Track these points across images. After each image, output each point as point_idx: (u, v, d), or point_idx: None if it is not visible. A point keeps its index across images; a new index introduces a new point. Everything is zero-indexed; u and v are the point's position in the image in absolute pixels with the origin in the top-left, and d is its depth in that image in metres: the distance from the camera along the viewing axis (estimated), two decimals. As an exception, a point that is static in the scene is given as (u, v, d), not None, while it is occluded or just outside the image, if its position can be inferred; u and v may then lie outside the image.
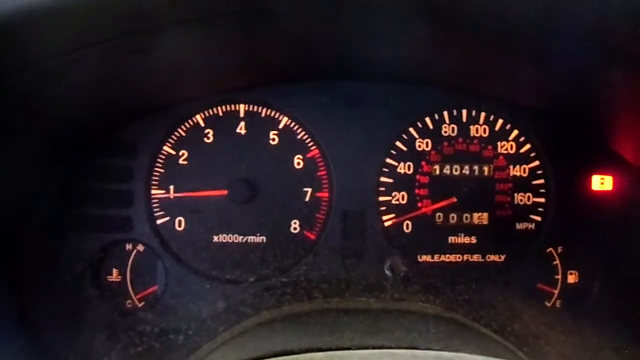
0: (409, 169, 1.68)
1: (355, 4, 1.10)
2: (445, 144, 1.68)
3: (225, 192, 1.63)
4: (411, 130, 1.68)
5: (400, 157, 1.68)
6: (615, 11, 1.00)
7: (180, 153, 1.65)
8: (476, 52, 1.37)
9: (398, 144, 1.67)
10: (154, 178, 1.65)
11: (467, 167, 1.68)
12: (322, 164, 1.67)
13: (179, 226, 1.66)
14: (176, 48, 1.25)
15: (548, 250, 1.71)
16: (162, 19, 1.08)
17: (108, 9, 1.00)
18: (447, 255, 1.68)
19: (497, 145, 1.69)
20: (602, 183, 1.69)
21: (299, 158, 1.67)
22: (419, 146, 1.68)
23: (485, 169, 1.69)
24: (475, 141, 1.69)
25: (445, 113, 1.68)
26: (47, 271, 1.56)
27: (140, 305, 1.65)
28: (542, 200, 1.70)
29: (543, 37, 1.17)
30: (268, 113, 1.66)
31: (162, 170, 1.65)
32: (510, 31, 1.18)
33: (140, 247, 1.66)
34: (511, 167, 1.69)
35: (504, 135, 1.69)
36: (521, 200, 1.69)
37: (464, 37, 1.26)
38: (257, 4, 1.09)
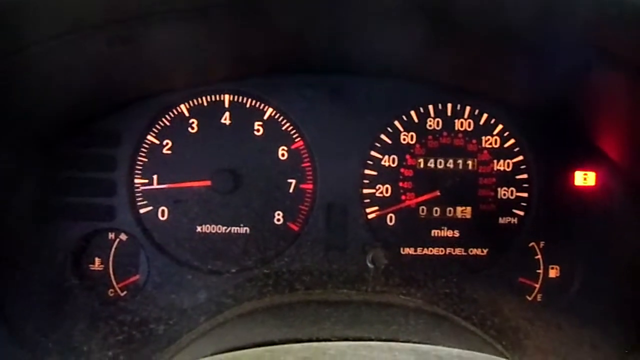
0: (393, 162, 1.68)
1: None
2: (430, 137, 1.69)
3: (209, 182, 1.63)
4: (396, 123, 1.68)
5: (385, 150, 1.68)
6: (603, 12, 1.01)
7: (164, 142, 1.64)
8: (466, 50, 1.38)
9: (383, 136, 1.67)
10: (137, 167, 1.64)
11: (451, 160, 1.69)
12: (306, 155, 1.67)
13: (162, 216, 1.65)
14: (162, 38, 1.25)
15: (530, 245, 1.72)
16: (150, 8, 1.08)
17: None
18: (429, 249, 1.69)
19: (481, 140, 1.70)
20: (585, 179, 1.70)
21: (283, 149, 1.66)
22: (404, 139, 1.68)
23: (469, 163, 1.69)
24: (460, 135, 1.69)
25: (431, 107, 1.68)
26: (27, 260, 1.55)
27: (122, 294, 1.65)
28: (525, 195, 1.70)
29: (531, 37, 1.18)
30: (253, 104, 1.66)
31: (145, 160, 1.64)
32: (501, 31, 1.18)
33: (123, 237, 1.65)
34: (495, 161, 1.70)
35: (488, 129, 1.70)
36: (504, 194, 1.70)
37: (456, 35, 1.26)
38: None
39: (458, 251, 1.70)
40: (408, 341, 0.99)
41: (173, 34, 1.24)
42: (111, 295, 1.65)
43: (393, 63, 1.58)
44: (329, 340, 0.97)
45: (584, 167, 1.70)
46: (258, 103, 1.66)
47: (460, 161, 1.69)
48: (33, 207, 1.59)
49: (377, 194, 1.68)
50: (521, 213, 1.71)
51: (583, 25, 1.07)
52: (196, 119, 1.65)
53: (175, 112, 1.64)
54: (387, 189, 1.68)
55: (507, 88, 1.64)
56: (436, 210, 1.69)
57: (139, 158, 1.64)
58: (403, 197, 1.68)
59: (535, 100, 1.67)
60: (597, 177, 1.70)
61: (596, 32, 1.10)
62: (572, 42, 1.15)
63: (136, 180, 1.64)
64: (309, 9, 1.17)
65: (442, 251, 1.69)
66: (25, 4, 0.96)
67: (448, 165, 1.69)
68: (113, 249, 1.65)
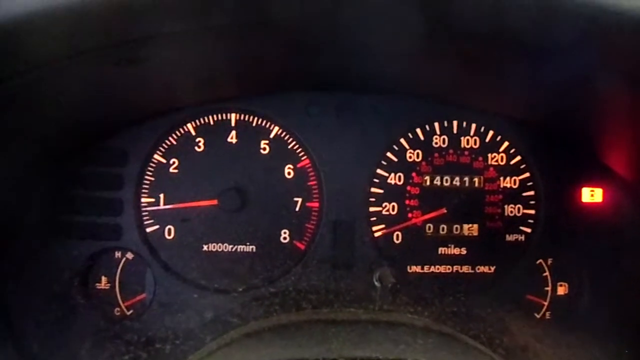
0: (399, 180, 1.68)
1: (349, 14, 1.10)
2: (436, 155, 1.69)
3: (215, 201, 1.63)
4: (402, 141, 1.68)
5: (391, 167, 1.68)
6: (600, 23, 1.01)
7: (171, 161, 1.65)
8: (469, 64, 1.37)
9: (389, 154, 1.68)
10: (144, 186, 1.64)
11: (457, 178, 1.68)
12: (312, 174, 1.67)
13: (169, 235, 1.65)
14: (168, 58, 1.25)
15: (538, 262, 1.71)
16: (155, 29, 1.08)
17: (100, 18, 1.00)
18: (436, 267, 1.68)
19: (487, 157, 1.70)
20: (592, 195, 1.70)
21: (289, 168, 1.66)
22: (410, 157, 1.68)
23: (476, 180, 1.69)
24: (466, 152, 1.69)
25: (436, 124, 1.69)
26: (34, 279, 1.55)
27: (128, 313, 1.65)
28: (532, 212, 1.70)
29: (533, 48, 1.18)
30: (259, 122, 1.66)
31: (152, 179, 1.65)
32: (501, 41, 1.18)
33: (130, 255, 1.66)
34: (501, 178, 1.70)
35: (494, 146, 1.70)
36: (511, 211, 1.70)
37: (457, 48, 1.26)
38: (252, 16, 1.09)
39: (465, 269, 1.69)
40: (416, 360, 0.98)
41: (180, 53, 1.24)
42: (117, 314, 1.65)
43: (397, 79, 1.58)
44: None
45: (590, 183, 1.70)
46: (264, 122, 1.66)
47: (466, 179, 1.69)
48: (40, 225, 1.59)
49: (384, 212, 1.68)
50: (528, 230, 1.70)
51: (583, 36, 1.06)
52: (202, 138, 1.65)
53: (182, 131, 1.65)
54: (393, 206, 1.68)
55: (511, 103, 1.64)
56: (443, 228, 1.69)
57: (146, 177, 1.64)
58: (409, 215, 1.68)
59: (541, 116, 1.67)
60: (604, 193, 1.70)
61: (597, 44, 1.10)
62: (574, 54, 1.15)
63: (143, 199, 1.65)
64: (313, 27, 1.17)
65: (449, 269, 1.69)
66: (33, 26, 0.97)
67: (454, 182, 1.69)
68: (119, 268, 1.66)
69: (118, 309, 1.65)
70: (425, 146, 1.69)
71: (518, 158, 1.70)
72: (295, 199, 1.67)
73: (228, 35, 1.17)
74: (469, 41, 1.20)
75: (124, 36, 1.09)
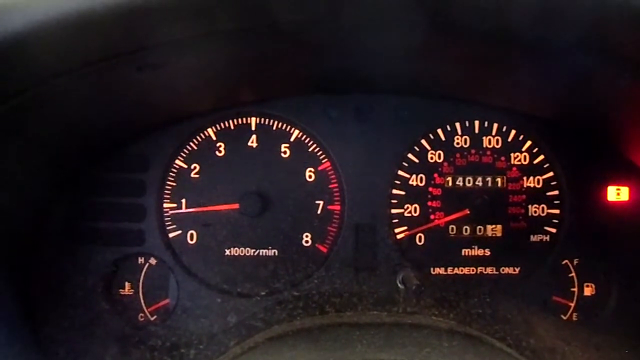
0: (421, 181, 1.67)
1: (352, 15, 1.10)
2: (458, 155, 1.67)
3: (237, 205, 1.63)
4: (423, 142, 1.67)
5: (412, 169, 1.67)
6: (612, 17, 0.99)
7: (192, 166, 1.65)
8: (481, 63, 1.36)
9: (410, 155, 1.66)
10: (166, 192, 1.65)
11: (480, 178, 1.67)
12: (333, 176, 1.66)
13: (191, 239, 1.66)
14: (185, 64, 1.26)
15: (564, 263, 1.69)
16: (171, 35, 1.09)
17: (116, 25, 1.00)
18: (460, 268, 1.67)
19: (510, 157, 1.68)
20: (618, 194, 1.67)
21: (310, 171, 1.66)
22: (431, 158, 1.67)
23: (499, 180, 1.67)
24: (488, 152, 1.67)
25: (458, 124, 1.67)
26: (59, 285, 1.57)
27: (152, 318, 1.65)
28: (557, 211, 1.68)
29: (546, 43, 1.16)
30: (279, 126, 1.66)
31: (174, 184, 1.65)
32: (512, 38, 1.17)
33: (153, 261, 1.66)
34: (525, 178, 1.68)
35: (517, 146, 1.68)
36: (535, 211, 1.68)
37: (466, 46, 1.25)
38: (256, 20, 1.09)
39: (489, 270, 1.67)
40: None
41: (195, 59, 1.25)
42: (141, 319, 1.65)
43: (414, 80, 1.57)
44: None
45: (616, 181, 1.67)
46: (284, 125, 1.66)
47: (489, 179, 1.67)
48: (64, 232, 1.60)
49: (406, 214, 1.67)
50: (553, 230, 1.68)
51: (593, 30, 1.05)
52: (223, 143, 1.65)
53: (203, 136, 1.65)
54: (415, 208, 1.67)
55: (532, 100, 1.62)
56: (466, 229, 1.67)
57: (168, 182, 1.65)
58: (432, 217, 1.67)
59: (563, 113, 1.65)
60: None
61: (606, 39, 1.08)
62: (586, 49, 1.14)
63: (165, 205, 1.65)
64: (318, 29, 1.17)
65: (473, 270, 1.67)
66: (54, 35, 0.98)
67: (477, 183, 1.67)
68: (143, 274, 1.66)
69: (142, 314, 1.65)
70: (446, 146, 1.67)
71: (541, 157, 1.68)
72: (317, 202, 1.66)
73: (237, 40, 1.17)
74: (475, 39, 1.19)
75: (137, 43, 1.09)
